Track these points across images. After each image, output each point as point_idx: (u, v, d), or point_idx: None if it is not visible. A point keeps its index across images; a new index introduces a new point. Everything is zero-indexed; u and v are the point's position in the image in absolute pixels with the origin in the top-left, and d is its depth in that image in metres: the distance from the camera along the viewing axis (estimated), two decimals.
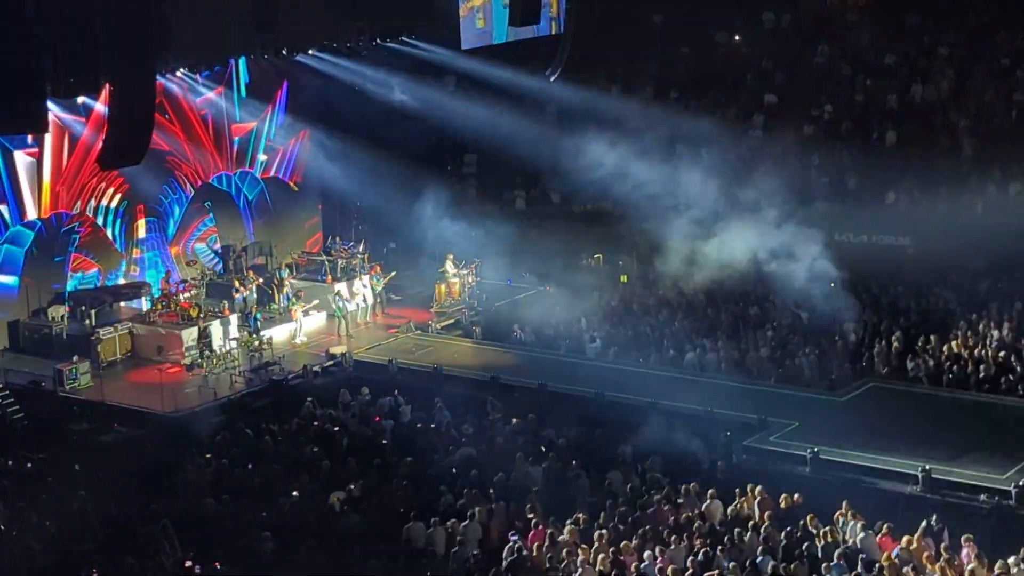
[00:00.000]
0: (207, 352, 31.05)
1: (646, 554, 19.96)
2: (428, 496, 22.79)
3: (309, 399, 27.91)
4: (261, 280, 34.49)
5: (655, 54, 41.19)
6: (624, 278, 35.88)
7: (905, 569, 19.31)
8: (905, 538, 20.22)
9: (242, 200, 37.33)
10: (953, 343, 29.54)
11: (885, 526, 20.69)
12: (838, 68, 39.84)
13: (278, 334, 32.66)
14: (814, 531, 20.76)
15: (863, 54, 39.83)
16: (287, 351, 32.07)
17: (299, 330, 32.93)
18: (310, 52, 34.74)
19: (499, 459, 24.08)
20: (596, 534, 20.65)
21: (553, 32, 35.19)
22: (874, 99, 38.71)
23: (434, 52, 36.23)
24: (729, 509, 21.90)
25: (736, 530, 20.85)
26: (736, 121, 37.97)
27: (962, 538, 20.16)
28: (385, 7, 34.00)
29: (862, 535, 20.65)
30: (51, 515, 22.24)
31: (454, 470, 23.98)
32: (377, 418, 27.13)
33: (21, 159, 31.84)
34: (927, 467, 23.31)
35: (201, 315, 31.86)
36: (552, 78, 35.24)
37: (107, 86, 22.98)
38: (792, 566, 19.62)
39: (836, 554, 19.77)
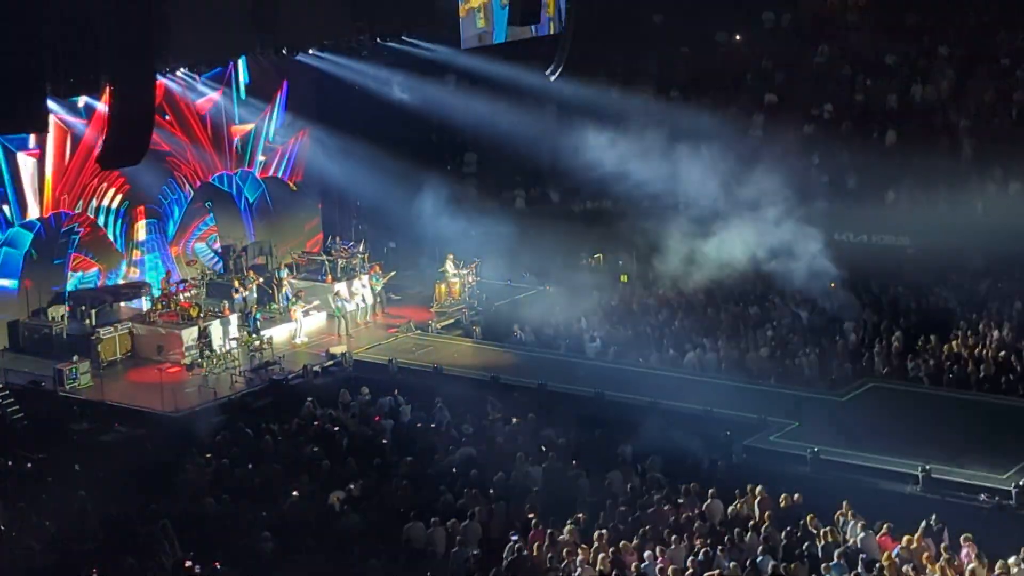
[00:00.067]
0: (207, 352, 31.05)
1: (646, 554, 19.96)
2: (428, 496, 22.79)
3: (309, 399, 27.91)
4: (261, 280, 34.49)
5: (655, 53, 41.18)
6: (624, 278, 35.88)
7: (905, 568, 19.32)
8: (905, 538, 20.22)
9: (242, 200, 37.32)
10: (953, 343, 29.56)
11: (885, 526, 20.69)
12: (838, 68, 39.83)
13: (278, 334, 32.66)
14: (814, 531, 20.77)
15: (863, 54, 39.82)
16: (287, 351, 32.07)
17: (299, 330, 32.93)
18: (310, 51, 34.73)
19: (499, 459, 24.09)
20: (596, 534, 20.64)
21: (552, 32, 35.19)
22: (874, 99, 38.71)
23: (434, 51, 36.23)
24: (729, 509, 21.90)
25: (736, 530, 20.85)
26: (736, 121, 37.96)
27: (962, 538, 20.15)
28: (385, 7, 33.97)
29: (862, 535, 20.65)
30: (51, 515, 22.24)
31: (454, 470, 23.98)
32: (377, 418, 27.14)
33: (23, 159, 31.84)
34: (927, 467, 23.32)
35: (201, 315, 31.86)
36: (552, 77, 35.24)
37: (107, 86, 22.99)
38: (792, 566, 19.64)
39: (836, 554, 19.77)
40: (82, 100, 30.89)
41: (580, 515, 21.48)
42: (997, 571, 19.25)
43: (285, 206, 38.37)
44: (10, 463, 25.47)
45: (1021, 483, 22.75)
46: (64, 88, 23.59)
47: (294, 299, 33.50)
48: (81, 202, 33.13)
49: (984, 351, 28.95)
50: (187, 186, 35.73)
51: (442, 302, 34.83)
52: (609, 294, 34.52)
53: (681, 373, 29.68)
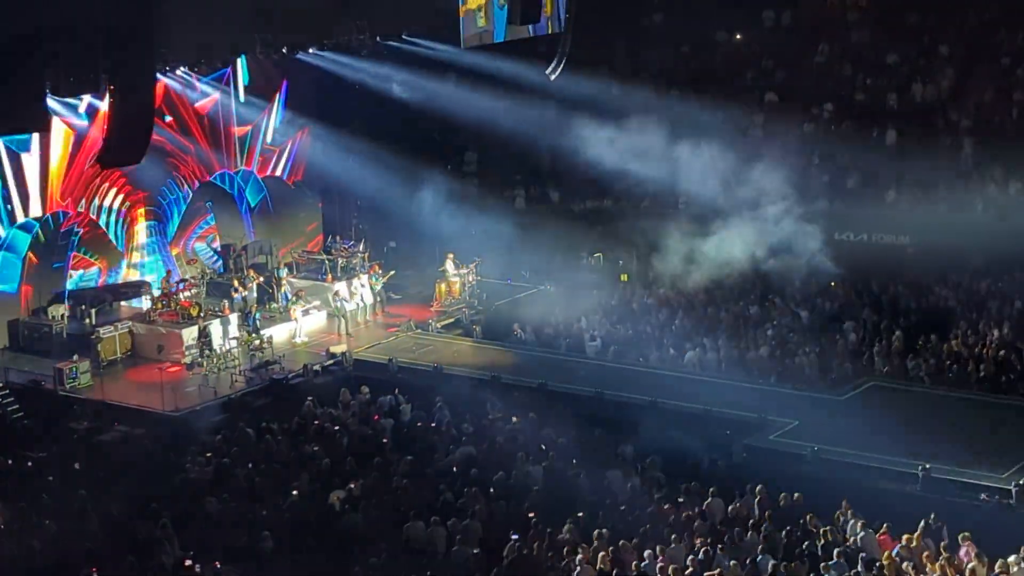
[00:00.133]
0: (207, 351, 31.05)
1: (646, 553, 19.97)
2: (428, 495, 22.79)
3: (309, 398, 27.91)
4: (261, 279, 34.49)
5: (655, 52, 41.18)
6: (624, 277, 35.89)
7: (905, 566, 19.33)
8: (905, 537, 20.23)
9: (243, 199, 37.32)
10: (953, 342, 29.58)
11: (885, 525, 20.71)
12: (838, 67, 39.83)
13: (278, 333, 32.67)
14: (814, 530, 20.78)
15: (864, 53, 39.82)
16: (287, 350, 32.07)
17: (299, 330, 32.93)
18: (310, 50, 34.74)
19: (499, 458, 24.10)
20: (596, 533, 20.65)
21: (550, 31, 35.20)
22: (874, 98, 38.70)
23: (435, 49, 36.24)
24: (729, 508, 21.91)
25: (736, 529, 20.87)
26: (736, 120, 37.96)
27: (961, 537, 20.16)
28: (385, 6, 34.00)
29: (862, 534, 20.67)
30: (51, 514, 22.23)
31: (454, 469, 23.99)
32: (377, 417, 27.14)
33: (27, 159, 31.82)
34: (927, 466, 23.32)
35: (201, 314, 31.86)
36: (552, 77, 35.25)
37: (107, 86, 23.02)
38: (792, 565, 19.63)
39: (836, 553, 19.78)
40: (85, 100, 30.89)
41: (580, 515, 21.48)
42: (997, 570, 19.26)
43: (285, 205, 38.37)
44: (10, 462, 25.47)
45: (1021, 482, 22.76)
46: (64, 88, 23.59)
47: (294, 298, 33.50)
48: (84, 201, 33.14)
49: (984, 350, 28.96)
50: (188, 185, 35.74)
51: (443, 301, 34.84)
52: (609, 293, 34.53)
53: (681, 372, 29.69)
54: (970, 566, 19.47)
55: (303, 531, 21.56)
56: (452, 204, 36.02)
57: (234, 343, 31.59)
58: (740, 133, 37.20)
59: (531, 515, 21.53)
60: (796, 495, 22.10)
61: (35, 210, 32.17)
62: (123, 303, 33.41)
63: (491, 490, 22.66)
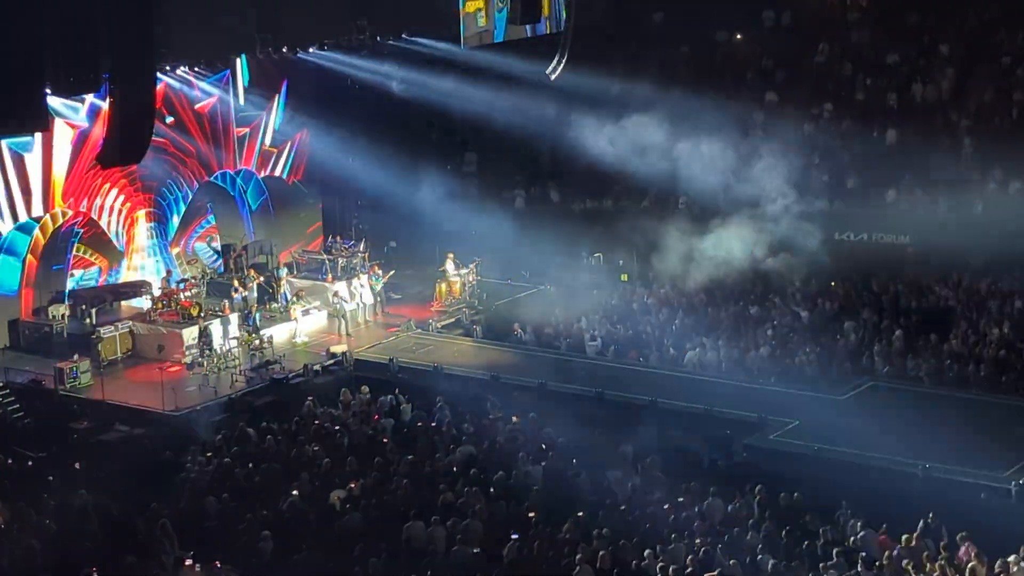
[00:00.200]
0: (207, 351, 31.06)
1: (646, 553, 19.96)
2: (428, 495, 22.78)
3: (310, 398, 27.93)
4: (262, 279, 34.50)
5: (655, 52, 41.18)
6: (624, 277, 35.89)
7: (905, 566, 19.33)
8: (904, 536, 20.23)
9: (244, 199, 37.32)
10: (953, 341, 29.57)
11: (885, 525, 20.70)
12: (838, 67, 39.81)
13: (278, 333, 32.67)
14: (814, 529, 20.77)
15: (864, 53, 39.81)
16: (287, 350, 32.08)
17: (299, 330, 32.94)
18: (310, 50, 34.75)
19: (499, 458, 24.10)
20: (596, 533, 20.64)
21: (549, 31, 35.22)
22: (874, 98, 38.68)
23: (435, 48, 36.25)
24: (729, 508, 21.91)
25: (736, 529, 20.86)
26: (736, 119, 37.95)
27: (959, 536, 20.16)
28: (385, 6, 34.01)
29: (862, 533, 20.68)
30: (52, 514, 22.24)
31: (454, 469, 23.98)
32: (377, 417, 27.15)
33: (29, 158, 31.83)
34: (927, 466, 23.33)
35: (201, 314, 31.89)
36: (553, 77, 35.25)
37: (108, 85, 23.01)
38: (792, 565, 19.63)
39: (836, 553, 19.77)
40: (87, 100, 30.90)
41: (580, 514, 21.48)
42: (996, 570, 19.26)
43: (286, 204, 38.37)
44: (11, 462, 25.48)
45: (1021, 482, 22.76)
46: (64, 87, 23.57)
47: (294, 298, 33.51)
48: (86, 201, 33.15)
49: (984, 350, 28.96)
50: (189, 184, 35.75)
51: (443, 301, 34.85)
52: (609, 293, 34.53)
53: (681, 372, 29.70)
54: (970, 566, 19.47)
55: (303, 531, 21.55)
56: (452, 204, 36.03)
57: (234, 343, 31.61)
58: (740, 133, 37.19)
59: (531, 515, 21.52)
60: (796, 495, 22.10)
61: (37, 210, 32.19)
62: (123, 303, 33.40)
63: (491, 490, 22.65)
